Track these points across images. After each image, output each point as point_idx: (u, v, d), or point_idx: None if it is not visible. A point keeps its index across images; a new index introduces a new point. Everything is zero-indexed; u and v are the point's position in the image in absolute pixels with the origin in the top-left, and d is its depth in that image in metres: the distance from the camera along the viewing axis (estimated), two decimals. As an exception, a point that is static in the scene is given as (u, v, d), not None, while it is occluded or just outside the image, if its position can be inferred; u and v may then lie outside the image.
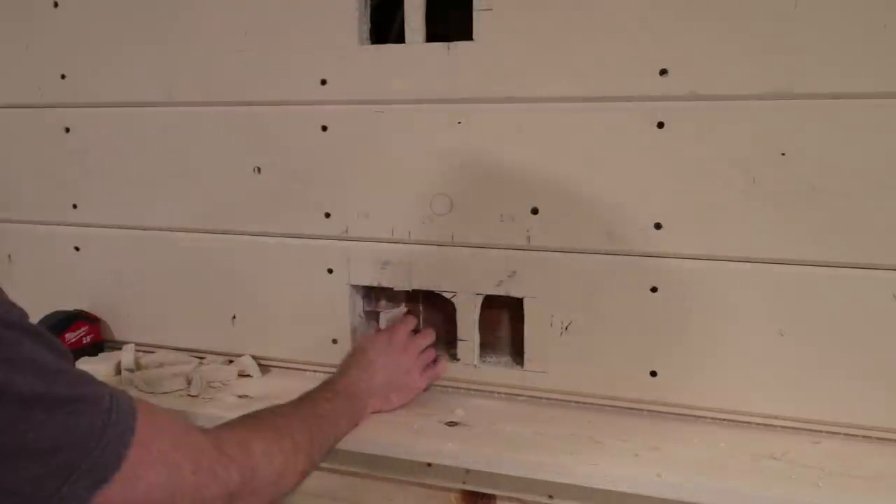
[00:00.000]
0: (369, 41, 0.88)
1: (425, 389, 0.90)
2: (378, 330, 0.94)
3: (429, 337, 0.92)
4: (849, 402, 0.78)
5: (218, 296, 1.00)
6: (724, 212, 0.78)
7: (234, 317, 1.01)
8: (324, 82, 0.89)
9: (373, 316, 0.98)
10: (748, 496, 0.70)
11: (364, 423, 0.83)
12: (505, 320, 0.93)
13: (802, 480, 0.71)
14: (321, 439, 0.73)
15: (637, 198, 0.81)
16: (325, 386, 0.82)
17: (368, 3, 0.88)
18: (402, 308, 0.97)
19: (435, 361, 0.92)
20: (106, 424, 0.50)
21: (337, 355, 0.97)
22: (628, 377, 0.85)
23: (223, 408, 0.88)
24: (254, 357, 1.00)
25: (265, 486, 0.62)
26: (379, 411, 0.85)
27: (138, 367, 0.99)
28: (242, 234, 0.98)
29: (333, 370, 0.98)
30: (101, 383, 0.53)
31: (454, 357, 0.92)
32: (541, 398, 0.89)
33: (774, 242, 0.77)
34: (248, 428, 0.65)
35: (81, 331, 1.03)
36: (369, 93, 0.88)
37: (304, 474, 0.69)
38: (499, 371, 0.91)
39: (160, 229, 1.02)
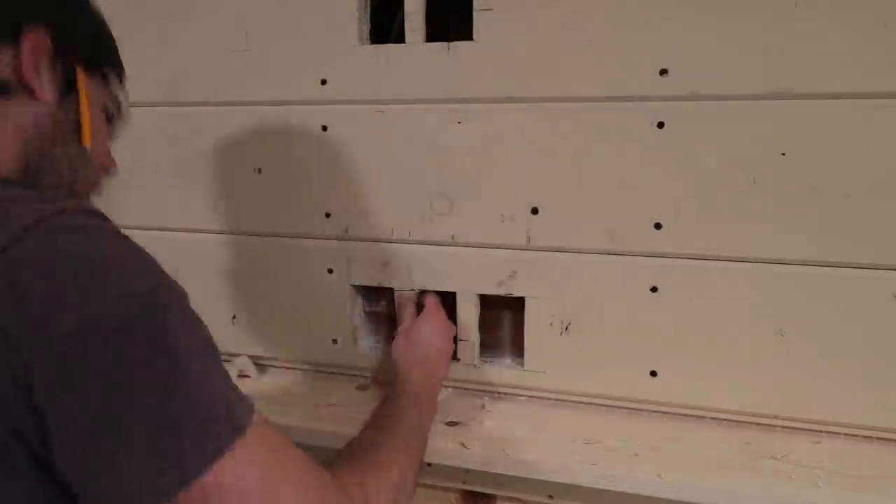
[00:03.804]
0: (369, 41, 0.88)
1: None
2: (412, 315, 0.90)
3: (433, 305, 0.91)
4: (849, 402, 0.78)
5: (218, 296, 1.00)
6: (724, 212, 0.78)
7: (234, 317, 1.01)
8: (324, 82, 0.89)
9: (373, 316, 0.98)
10: (748, 496, 0.70)
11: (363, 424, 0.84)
12: (505, 320, 0.93)
13: (803, 480, 0.71)
14: (419, 454, 0.74)
15: (637, 198, 0.81)
16: (402, 393, 0.79)
17: (368, 3, 0.88)
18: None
19: None
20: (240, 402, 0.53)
21: (337, 355, 0.97)
22: (628, 377, 0.85)
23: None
24: (254, 357, 1.00)
25: None
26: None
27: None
28: (242, 234, 0.98)
29: (332, 370, 0.98)
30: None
31: (454, 357, 0.92)
32: (541, 398, 0.90)
33: (774, 242, 0.77)
34: (358, 465, 0.65)
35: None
36: (369, 93, 0.88)
37: (412, 495, 0.70)
38: (499, 371, 0.91)
39: (160, 229, 1.02)
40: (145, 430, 0.46)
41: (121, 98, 0.69)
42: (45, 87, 0.59)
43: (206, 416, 0.48)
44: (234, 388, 0.53)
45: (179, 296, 0.53)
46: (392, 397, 0.79)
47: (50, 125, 0.59)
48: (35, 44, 0.57)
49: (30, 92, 0.58)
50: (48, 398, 0.44)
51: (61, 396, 0.44)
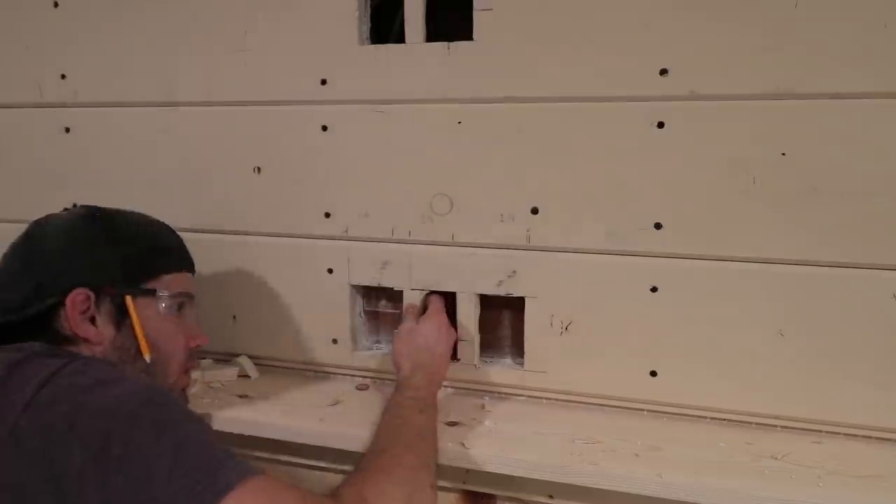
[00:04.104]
0: (369, 41, 0.88)
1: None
2: (415, 316, 0.90)
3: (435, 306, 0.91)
4: (849, 402, 0.78)
5: (218, 296, 1.00)
6: (724, 212, 0.78)
7: (234, 317, 1.01)
8: (324, 82, 0.89)
9: (373, 316, 0.98)
10: (748, 496, 0.70)
11: (365, 423, 0.83)
12: (505, 320, 0.93)
13: (803, 480, 0.71)
14: (429, 453, 0.75)
15: (637, 198, 0.81)
16: (406, 396, 0.80)
17: (368, 3, 0.88)
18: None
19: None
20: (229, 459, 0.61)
21: (337, 355, 0.97)
22: (628, 377, 0.85)
23: (222, 408, 0.88)
24: (254, 357, 1.00)
25: None
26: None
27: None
28: (242, 234, 0.98)
29: (332, 370, 0.98)
30: None
31: (454, 357, 0.92)
32: (541, 398, 0.89)
33: (774, 242, 0.77)
34: (359, 479, 0.68)
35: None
36: (369, 93, 0.88)
37: (434, 487, 0.71)
38: (499, 371, 0.91)
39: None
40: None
41: (184, 288, 0.79)
42: (101, 327, 0.72)
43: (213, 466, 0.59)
44: (231, 454, 0.62)
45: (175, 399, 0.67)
46: (397, 401, 0.79)
47: (115, 356, 0.72)
48: (74, 299, 0.70)
49: (85, 340, 0.71)
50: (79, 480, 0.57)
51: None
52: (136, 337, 0.73)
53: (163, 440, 0.58)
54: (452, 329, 0.89)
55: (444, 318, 0.88)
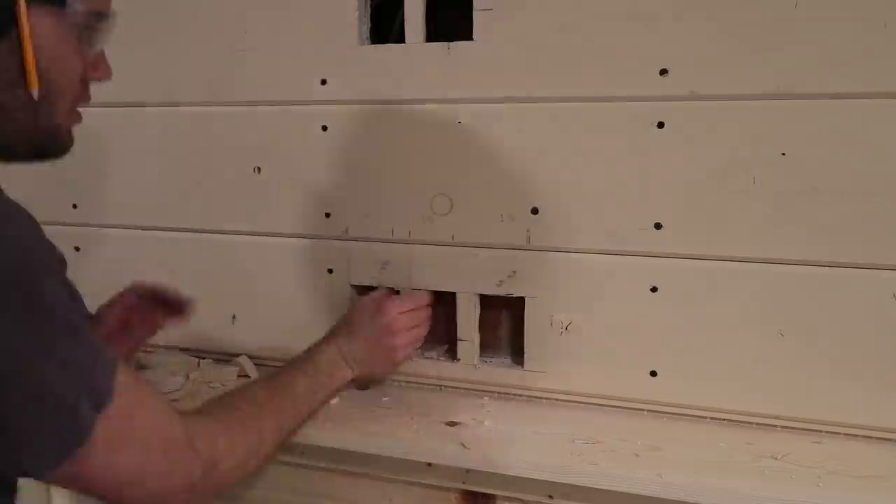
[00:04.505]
0: (369, 41, 0.88)
1: (409, 358, 0.90)
2: (410, 296, 0.90)
3: (417, 298, 0.89)
4: (849, 402, 0.78)
5: (218, 296, 1.00)
6: (724, 212, 0.78)
7: (234, 317, 1.01)
8: (324, 82, 0.89)
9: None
10: (748, 496, 0.70)
11: (363, 423, 0.84)
12: (505, 320, 0.93)
13: (803, 480, 0.71)
14: (292, 421, 0.74)
15: (637, 198, 0.81)
16: (308, 358, 0.82)
17: (368, 3, 0.88)
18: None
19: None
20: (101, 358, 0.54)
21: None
22: (628, 377, 0.85)
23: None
24: (254, 357, 1.00)
25: (225, 478, 0.64)
26: (359, 379, 0.87)
27: (138, 366, 0.99)
28: (242, 234, 0.98)
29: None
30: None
31: (454, 357, 0.92)
32: (541, 398, 0.89)
33: (774, 242, 0.77)
34: (217, 420, 0.66)
35: (81, 331, 1.03)
36: (369, 93, 0.88)
37: (269, 458, 0.70)
38: (499, 371, 0.91)
39: (160, 229, 1.02)
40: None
41: (99, 7, 0.59)
42: None
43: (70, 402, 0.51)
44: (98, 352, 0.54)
45: (52, 266, 0.54)
46: (301, 359, 0.81)
47: None
48: None
49: None
50: None
51: None
52: (22, 61, 0.53)
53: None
54: (422, 339, 0.89)
55: (425, 319, 0.89)
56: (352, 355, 0.84)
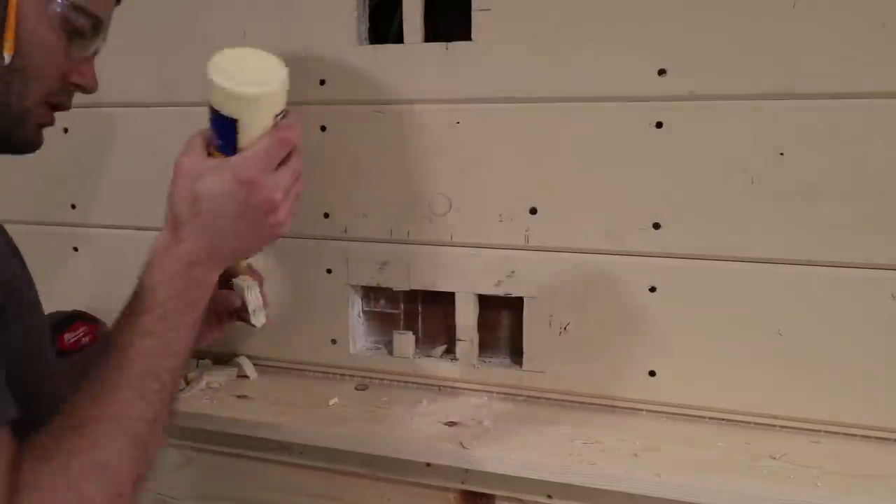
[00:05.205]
0: (368, 41, 0.88)
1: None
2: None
3: (285, 139, 0.64)
4: (849, 402, 0.78)
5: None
6: (723, 212, 0.78)
7: (233, 317, 1.01)
8: (322, 82, 0.89)
9: (372, 316, 0.98)
10: (747, 496, 0.70)
11: (363, 423, 0.84)
12: (504, 320, 0.93)
13: (802, 480, 0.71)
14: (151, 409, 0.56)
15: (636, 198, 0.80)
16: (142, 298, 0.61)
17: (367, 3, 0.88)
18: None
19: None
20: None
21: (336, 356, 0.97)
22: (627, 377, 0.85)
23: (222, 409, 0.88)
24: (253, 357, 1.00)
25: None
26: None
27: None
28: (241, 234, 0.98)
29: (331, 371, 0.98)
30: None
31: (453, 357, 0.92)
32: (540, 398, 0.89)
33: (773, 242, 0.77)
34: (67, 444, 0.52)
35: (80, 331, 1.03)
36: (368, 93, 0.88)
37: (151, 458, 0.55)
38: (498, 371, 0.91)
39: (160, 229, 1.01)
40: None
41: (98, 6, 0.59)
42: None
43: None
44: None
45: None
46: (134, 306, 0.60)
47: None
48: None
49: None
50: None
51: None
52: (3, 21, 0.53)
53: None
54: (300, 184, 0.64)
55: (297, 164, 0.62)
56: (215, 254, 0.63)
